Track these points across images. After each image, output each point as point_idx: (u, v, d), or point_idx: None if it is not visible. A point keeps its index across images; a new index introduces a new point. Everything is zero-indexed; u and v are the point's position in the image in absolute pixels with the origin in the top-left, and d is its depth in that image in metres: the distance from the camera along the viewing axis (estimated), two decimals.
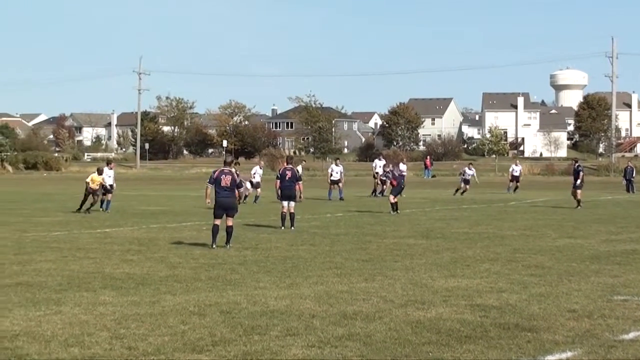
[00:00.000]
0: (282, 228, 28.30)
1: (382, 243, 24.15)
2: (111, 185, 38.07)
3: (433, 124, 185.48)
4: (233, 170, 23.25)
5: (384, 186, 48.77)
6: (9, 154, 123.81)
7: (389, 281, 16.70)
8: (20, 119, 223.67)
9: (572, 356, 10.77)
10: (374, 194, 52.07)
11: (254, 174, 45.86)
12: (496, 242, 24.59)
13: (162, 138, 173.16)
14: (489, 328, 12.29)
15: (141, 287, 15.88)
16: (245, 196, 42.29)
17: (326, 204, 44.03)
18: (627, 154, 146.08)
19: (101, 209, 36.84)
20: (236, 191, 23.32)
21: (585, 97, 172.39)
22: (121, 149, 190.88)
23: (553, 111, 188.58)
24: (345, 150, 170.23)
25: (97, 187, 36.76)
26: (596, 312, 13.46)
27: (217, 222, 22.83)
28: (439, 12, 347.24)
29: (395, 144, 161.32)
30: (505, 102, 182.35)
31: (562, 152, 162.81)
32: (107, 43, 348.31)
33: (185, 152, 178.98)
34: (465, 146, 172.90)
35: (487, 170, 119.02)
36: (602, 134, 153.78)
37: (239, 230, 26.13)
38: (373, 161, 59.21)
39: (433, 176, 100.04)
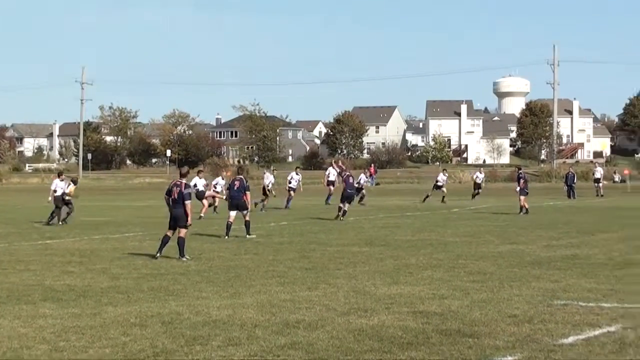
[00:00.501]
0: (226, 237, 28.20)
1: (326, 251, 24.15)
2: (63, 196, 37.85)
3: (377, 132, 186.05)
4: (184, 181, 22.97)
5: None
6: None
7: (332, 289, 16.70)
8: None
9: None
10: (328, 201, 52.30)
11: (216, 184, 45.68)
12: (439, 249, 24.70)
13: (104, 148, 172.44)
14: (430, 334, 12.34)
15: (82, 299, 15.74)
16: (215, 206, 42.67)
17: (274, 212, 43.84)
18: (569, 160, 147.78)
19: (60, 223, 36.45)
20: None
21: (527, 104, 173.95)
22: (63, 159, 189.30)
23: (496, 118, 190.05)
24: (290, 159, 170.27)
25: (73, 197, 36.89)
26: (536, 317, 13.57)
27: (169, 232, 22.78)
28: (382, 20, 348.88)
29: (339, 152, 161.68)
30: (449, 109, 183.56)
31: (505, 159, 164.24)
32: (50, 53, 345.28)
33: (128, 162, 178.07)
34: (410, 154, 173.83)
35: (432, 177, 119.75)
36: (544, 141, 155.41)
37: None
38: (326, 169, 59.95)
39: (377, 184, 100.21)
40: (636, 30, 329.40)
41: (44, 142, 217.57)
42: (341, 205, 37.97)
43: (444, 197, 55.38)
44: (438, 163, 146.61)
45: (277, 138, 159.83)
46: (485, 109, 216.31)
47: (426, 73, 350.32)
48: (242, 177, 29.21)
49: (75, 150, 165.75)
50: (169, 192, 22.71)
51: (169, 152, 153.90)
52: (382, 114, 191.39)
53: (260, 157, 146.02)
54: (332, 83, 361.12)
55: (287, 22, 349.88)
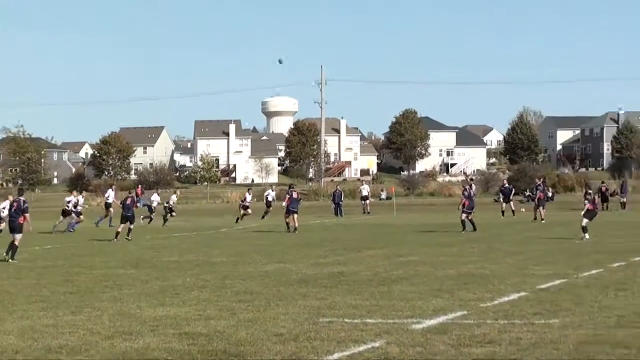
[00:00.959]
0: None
1: (91, 274, 23.69)
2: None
3: (145, 152, 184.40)
4: (22, 198, 26.14)
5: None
6: None
7: (97, 313, 16.37)
8: None
9: None
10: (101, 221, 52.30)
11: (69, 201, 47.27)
12: (206, 269, 24.62)
13: None
14: (196, 356, 12.25)
15: None
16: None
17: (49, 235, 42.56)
18: (336, 179, 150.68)
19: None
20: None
21: (295, 124, 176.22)
22: None
23: (264, 137, 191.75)
24: (55, 181, 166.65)
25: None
26: (302, 335, 13.67)
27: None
28: (146, 40, 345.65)
29: (106, 173, 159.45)
30: (218, 129, 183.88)
31: (274, 178, 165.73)
32: None
33: None
34: (178, 174, 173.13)
35: (199, 197, 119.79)
36: (312, 159, 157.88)
37: None
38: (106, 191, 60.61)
39: (144, 205, 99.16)
40: (403, 49, 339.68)
41: None
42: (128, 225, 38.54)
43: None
44: (206, 183, 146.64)
45: (42, 160, 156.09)
46: (254, 128, 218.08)
47: (195, 93, 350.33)
48: (20, 198, 29.20)
49: None
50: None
51: None
52: (149, 135, 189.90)
53: (25, 180, 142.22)
54: (99, 103, 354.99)
55: (50, 41, 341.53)
